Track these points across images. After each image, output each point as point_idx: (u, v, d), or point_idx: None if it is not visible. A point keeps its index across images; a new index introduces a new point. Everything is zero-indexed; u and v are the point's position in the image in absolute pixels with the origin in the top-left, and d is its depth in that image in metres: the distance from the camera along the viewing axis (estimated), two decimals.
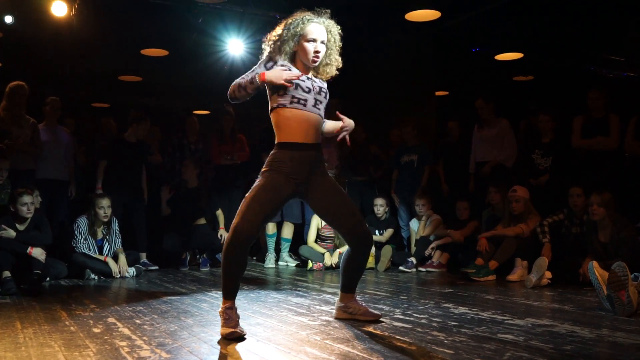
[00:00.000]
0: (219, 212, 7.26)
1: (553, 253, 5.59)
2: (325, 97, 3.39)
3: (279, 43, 3.31)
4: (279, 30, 3.33)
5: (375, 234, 7.20)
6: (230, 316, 3.14)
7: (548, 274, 5.26)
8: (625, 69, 11.16)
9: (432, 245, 6.68)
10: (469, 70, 10.41)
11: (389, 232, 7.26)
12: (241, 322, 3.20)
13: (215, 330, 3.28)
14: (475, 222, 6.73)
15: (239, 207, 3.14)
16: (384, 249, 6.78)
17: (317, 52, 3.30)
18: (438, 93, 10.46)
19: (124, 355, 2.73)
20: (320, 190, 3.31)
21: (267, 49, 3.37)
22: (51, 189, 6.67)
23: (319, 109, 3.33)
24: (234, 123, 7.68)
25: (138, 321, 3.62)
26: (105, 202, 6.25)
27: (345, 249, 6.30)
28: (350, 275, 3.52)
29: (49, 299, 4.66)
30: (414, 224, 7.20)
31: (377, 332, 3.22)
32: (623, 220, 5.13)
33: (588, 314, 3.79)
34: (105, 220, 6.27)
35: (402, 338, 3.05)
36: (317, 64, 3.34)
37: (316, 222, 7.09)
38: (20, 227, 5.53)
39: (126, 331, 3.31)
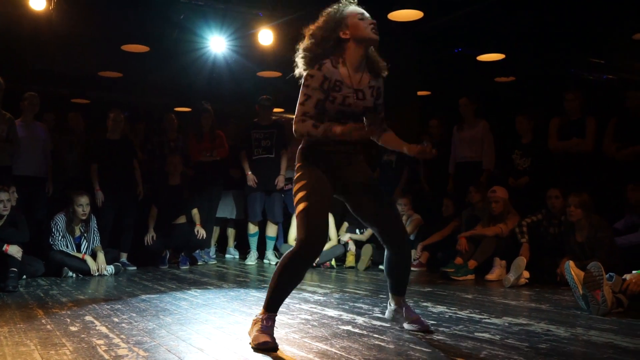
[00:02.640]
0: (195, 211, 7.22)
1: (531, 253, 5.64)
2: (378, 97, 3.18)
3: (320, 38, 3.00)
4: (316, 29, 3.04)
5: (355, 233, 7.22)
6: (268, 325, 2.89)
7: (526, 274, 5.31)
8: (605, 72, 11.28)
9: (419, 247, 6.71)
10: (452, 70, 10.46)
11: (369, 231, 7.25)
12: (219, 320, 3.18)
13: (194, 329, 3.27)
14: (455, 221, 6.77)
15: (299, 215, 2.87)
16: (364, 247, 6.80)
17: (372, 22, 3.01)
18: (420, 93, 10.49)
19: (101, 354, 2.71)
20: (361, 191, 3.13)
21: (300, 60, 3.03)
22: (28, 185, 6.58)
23: (365, 116, 3.10)
24: (213, 120, 7.66)
25: (116, 319, 3.59)
26: (84, 200, 6.20)
27: (327, 247, 6.29)
28: (393, 277, 3.26)
29: (25, 297, 4.61)
30: None
31: (356, 330, 3.22)
32: (600, 221, 5.19)
33: (564, 313, 3.83)
34: (84, 218, 6.22)
35: (380, 337, 3.06)
36: (378, 36, 3.02)
37: None
38: None
39: (104, 329, 3.28)
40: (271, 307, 2.93)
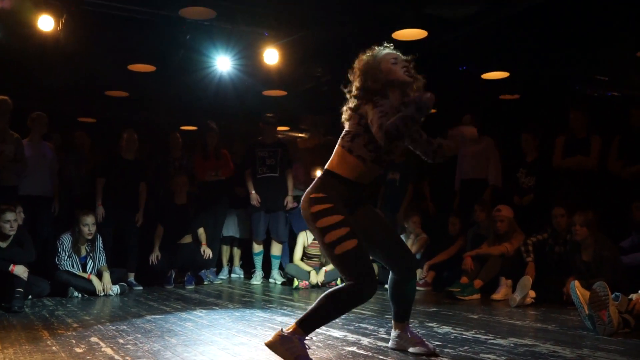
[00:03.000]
0: (201, 231, 7.23)
1: (537, 272, 5.61)
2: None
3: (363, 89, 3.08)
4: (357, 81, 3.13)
5: None
6: (301, 346, 2.82)
7: (532, 293, 5.29)
8: (609, 89, 11.29)
9: (426, 267, 6.69)
10: (456, 88, 10.49)
11: None
12: (224, 341, 3.17)
13: (199, 350, 3.26)
14: (461, 240, 6.75)
15: (349, 254, 2.80)
16: None
17: (405, 65, 3.12)
18: None
19: None
20: (368, 217, 3.10)
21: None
22: (34, 205, 6.61)
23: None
24: (217, 139, 7.69)
25: (121, 340, 3.60)
26: (90, 220, 6.23)
27: (331, 267, 6.29)
28: (399, 304, 3.24)
29: (30, 318, 4.62)
30: None
31: (361, 352, 3.22)
32: (605, 240, 5.18)
33: (570, 333, 3.81)
34: (90, 237, 6.24)
35: (385, 358, 3.05)
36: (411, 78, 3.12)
37: (302, 239, 7.08)
38: (3, 245, 5.49)
39: (109, 351, 3.29)
40: (309, 331, 2.89)
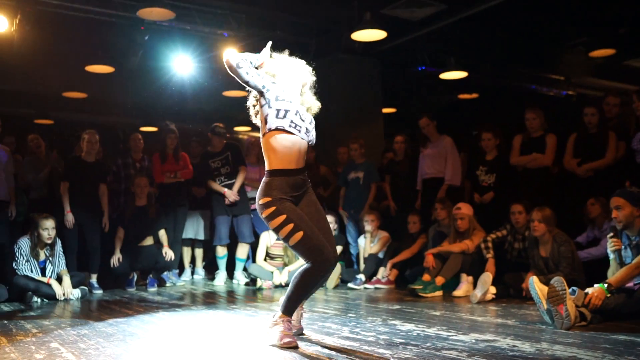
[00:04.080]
0: (162, 232, 7.17)
1: (497, 268, 5.70)
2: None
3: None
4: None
5: None
6: (289, 327, 3.41)
7: (492, 289, 5.38)
8: (564, 88, 11.58)
9: (389, 265, 6.75)
10: (415, 88, 10.63)
11: (337, 249, 7.28)
12: (189, 343, 3.16)
13: (162, 353, 3.24)
14: (423, 238, 6.83)
15: (301, 243, 3.31)
16: None
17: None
18: (385, 110, 10.62)
19: None
20: (304, 204, 3.54)
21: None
22: None
23: (308, 137, 3.56)
24: (177, 141, 7.63)
25: (83, 345, 3.55)
26: (49, 224, 6.11)
27: (294, 267, 6.35)
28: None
29: None
30: (362, 240, 7.26)
31: (325, 350, 3.24)
32: (563, 236, 5.30)
33: (529, 327, 3.89)
34: (49, 242, 6.13)
35: (349, 357, 3.07)
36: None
37: (265, 240, 7.06)
38: None
39: (70, 356, 3.24)
40: (289, 313, 3.44)
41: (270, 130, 3.43)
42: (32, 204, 7.16)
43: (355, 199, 7.53)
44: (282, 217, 3.33)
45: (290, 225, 3.32)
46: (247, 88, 3.56)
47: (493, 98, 11.15)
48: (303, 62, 3.74)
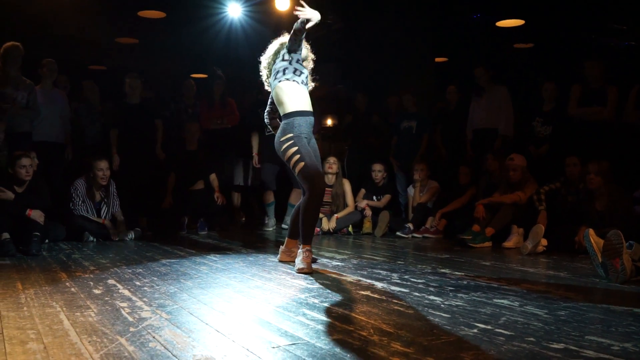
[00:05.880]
0: (213, 177, 7.26)
1: (549, 221, 5.62)
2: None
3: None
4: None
5: (372, 199, 7.24)
6: (310, 256, 4.08)
7: (544, 242, 5.31)
8: (627, 38, 11.09)
9: (437, 214, 6.72)
10: (469, 36, 10.33)
11: (386, 197, 7.29)
12: (239, 285, 3.22)
13: (215, 292, 3.31)
14: (473, 189, 6.76)
15: (301, 171, 4.03)
16: (381, 214, 6.82)
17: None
18: (437, 59, 10.39)
19: (125, 316, 2.76)
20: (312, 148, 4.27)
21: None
22: (47, 151, 6.64)
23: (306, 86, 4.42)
24: (224, 87, 7.66)
25: (138, 283, 3.65)
26: (104, 165, 6.26)
27: (344, 213, 6.52)
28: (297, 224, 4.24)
29: (48, 261, 4.69)
30: (411, 190, 7.22)
31: (375, 295, 3.26)
32: (619, 190, 5.17)
33: (582, 280, 3.83)
34: (104, 183, 6.28)
35: (399, 302, 3.08)
36: None
37: None
38: (19, 190, 5.52)
39: (126, 292, 3.34)
40: (308, 241, 4.13)
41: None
42: (88, 149, 7.33)
43: (406, 148, 7.48)
44: (294, 149, 4.08)
45: (297, 157, 4.06)
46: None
47: (550, 48, 10.77)
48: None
